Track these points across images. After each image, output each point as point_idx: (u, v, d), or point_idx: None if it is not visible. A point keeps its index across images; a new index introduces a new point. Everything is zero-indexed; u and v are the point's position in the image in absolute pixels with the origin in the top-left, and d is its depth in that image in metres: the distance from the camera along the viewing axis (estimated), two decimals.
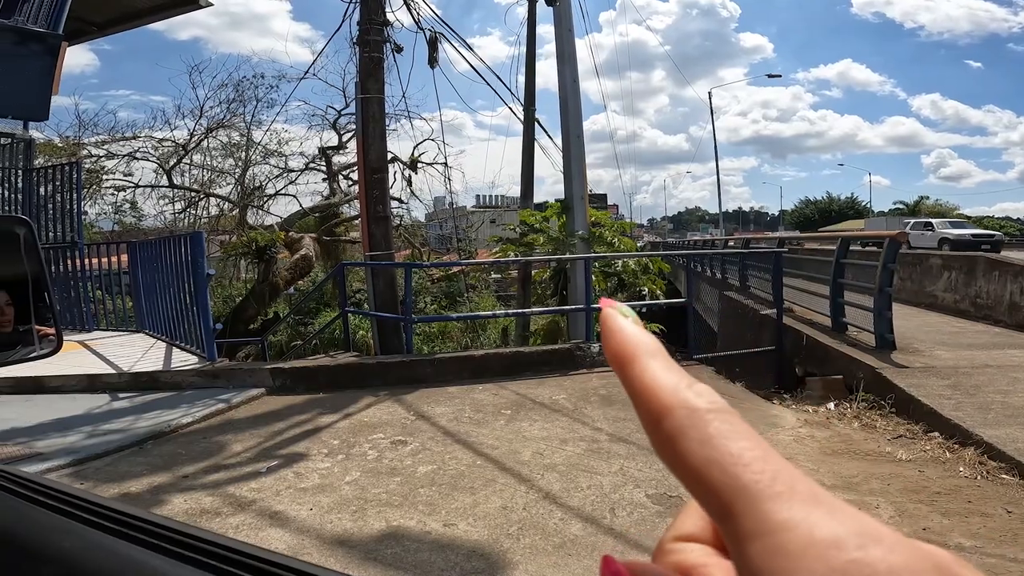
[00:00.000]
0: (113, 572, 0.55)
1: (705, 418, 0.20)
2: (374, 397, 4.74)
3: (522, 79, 11.46)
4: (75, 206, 8.39)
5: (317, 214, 15.36)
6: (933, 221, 22.47)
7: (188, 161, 16.51)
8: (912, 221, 23.76)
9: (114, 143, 16.01)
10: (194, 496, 3.01)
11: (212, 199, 16.68)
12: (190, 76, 18.61)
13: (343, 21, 7.87)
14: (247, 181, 16.83)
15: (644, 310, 9.30)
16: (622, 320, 0.24)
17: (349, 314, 7.57)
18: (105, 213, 17.07)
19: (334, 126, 16.40)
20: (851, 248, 6.62)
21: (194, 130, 16.22)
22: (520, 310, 9.76)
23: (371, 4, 6.99)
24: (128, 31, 11.68)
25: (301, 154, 17.48)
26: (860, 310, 5.80)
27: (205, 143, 16.61)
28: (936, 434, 3.65)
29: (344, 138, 16.14)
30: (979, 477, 3.05)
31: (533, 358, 5.58)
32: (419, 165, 16.13)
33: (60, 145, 15.27)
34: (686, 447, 0.20)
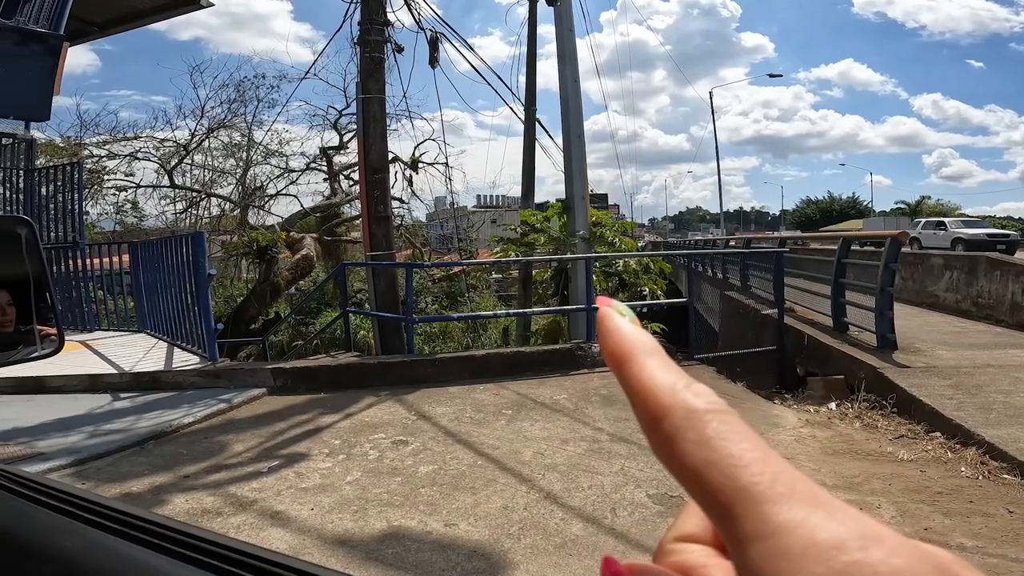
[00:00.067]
0: (115, 572, 0.55)
1: (704, 419, 0.20)
2: (375, 397, 4.74)
3: (523, 79, 11.46)
4: (76, 206, 8.41)
5: (318, 214, 15.38)
6: (946, 220, 21.59)
7: (189, 161, 16.56)
8: (923, 220, 22.93)
9: (115, 143, 16.07)
10: (195, 496, 3.02)
11: (213, 199, 16.73)
12: (191, 76, 18.67)
13: (344, 21, 7.89)
14: (248, 181, 16.88)
15: (645, 310, 9.31)
16: (619, 319, 0.23)
17: (350, 314, 7.57)
18: (106, 213, 17.11)
19: (335, 126, 16.44)
20: (852, 248, 6.62)
21: (195, 130, 16.28)
22: (521, 310, 9.76)
23: (372, 4, 6.99)
24: (129, 31, 11.73)
25: (302, 154, 17.53)
26: (862, 310, 5.80)
27: (206, 143, 16.66)
28: (938, 434, 3.64)
29: (345, 138, 16.17)
30: (981, 477, 3.04)
31: (534, 358, 5.58)
32: (420, 165, 16.14)
33: (61, 145, 15.30)
34: (684, 448, 0.20)
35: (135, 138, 16.19)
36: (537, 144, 11.01)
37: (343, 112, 16.05)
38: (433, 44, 8.79)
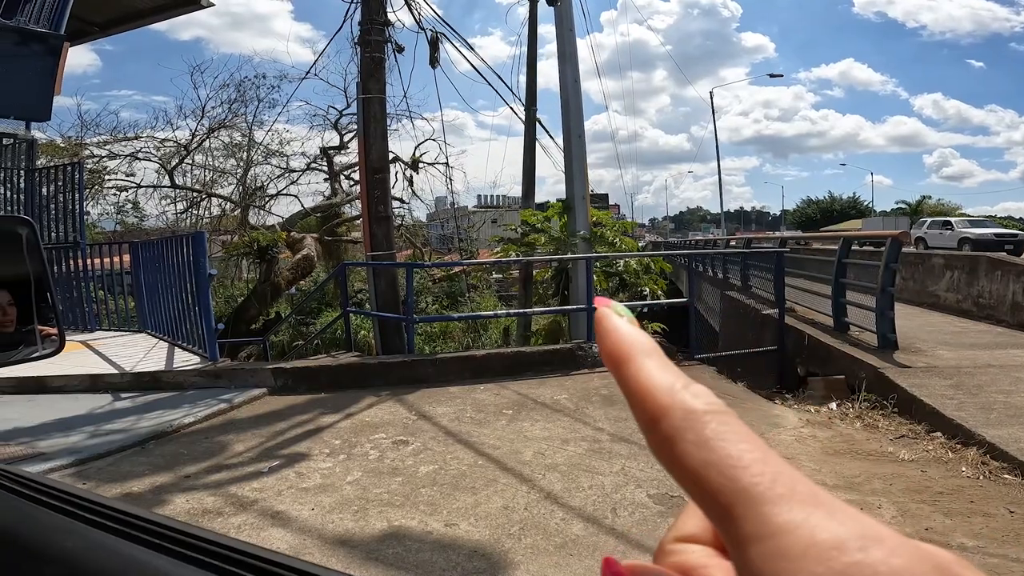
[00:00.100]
0: (115, 572, 0.55)
1: (702, 420, 0.20)
2: (376, 397, 4.74)
3: (523, 79, 11.46)
4: (77, 206, 8.42)
5: (319, 214, 15.39)
6: (952, 220, 20.99)
7: (190, 161, 16.57)
8: (929, 220, 22.39)
9: (116, 143, 16.07)
10: (196, 496, 3.02)
11: (214, 199, 16.74)
12: (192, 76, 18.67)
13: (344, 21, 7.90)
14: (249, 181, 16.88)
15: (646, 310, 9.31)
16: (617, 320, 0.23)
17: (351, 314, 7.58)
18: (107, 213, 17.13)
19: (335, 126, 16.44)
20: (852, 248, 6.61)
21: (196, 130, 16.29)
22: (521, 310, 9.76)
23: (372, 4, 6.99)
24: (130, 31, 11.74)
25: (303, 154, 17.54)
26: (862, 310, 5.79)
27: (207, 143, 16.67)
28: (938, 434, 3.64)
29: (346, 138, 16.17)
30: (981, 477, 3.04)
31: (535, 358, 5.58)
32: (420, 165, 16.15)
33: (62, 145, 15.31)
34: (683, 449, 0.20)
35: (136, 138, 16.21)
36: (537, 144, 11.03)
37: (344, 112, 16.08)
38: (433, 44, 8.79)
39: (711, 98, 44.76)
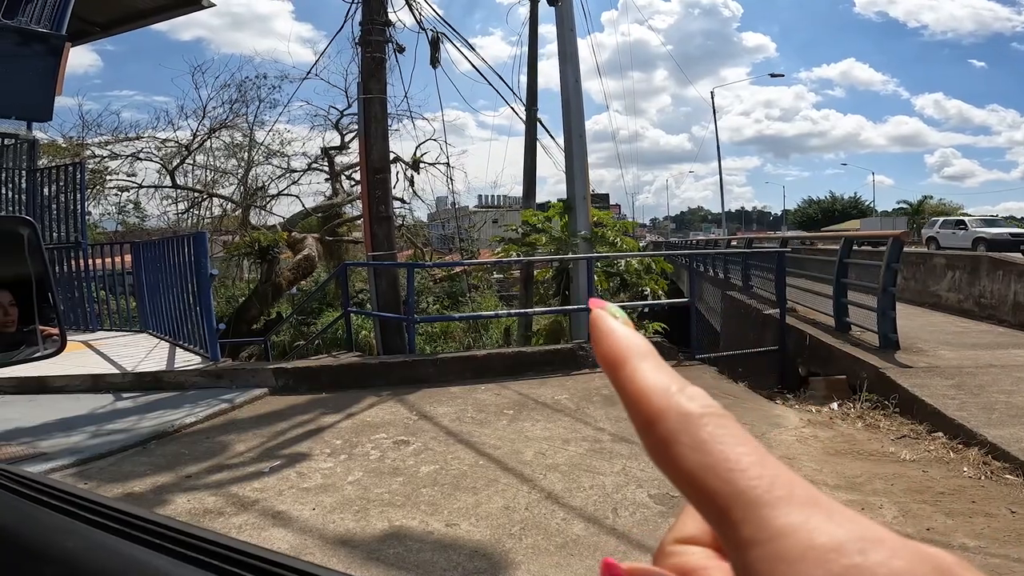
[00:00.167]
0: (116, 572, 0.55)
1: (698, 422, 0.20)
2: (377, 397, 4.75)
3: (524, 79, 11.46)
4: (79, 206, 8.43)
5: (320, 214, 15.41)
6: (966, 219, 20.15)
7: (191, 161, 16.60)
8: (941, 220, 21.66)
9: (117, 143, 16.10)
10: (197, 496, 3.02)
11: (215, 199, 16.76)
12: (193, 76, 18.77)
13: (345, 21, 7.90)
14: (250, 181, 16.90)
15: (647, 310, 9.30)
16: (612, 322, 0.23)
17: (352, 314, 7.58)
18: (109, 213, 17.17)
19: (336, 126, 16.46)
20: (853, 248, 6.61)
21: (197, 130, 16.30)
22: (522, 310, 9.75)
23: (373, 4, 7.00)
24: (131, 31, 11.74)
25: (304, 154, 17.56)
26: (864, 310, 5.79)
27: (208, 143, 16.69)
28: (940, 434, 3.64)
29: (347, 138, 16.19)
30: (983, 477, 3.04)
31: (535, 358, 5.58)
32: (421, 165, 16.16)
33: (64, 146, 15.34)
34: (680, 452, 0.19)
35: (137, 138, 16.23)
36: (538, 144, 11.03)
37: (344, 112, 16.08)
38: (434, 44, 8.79)
39: (712, 98, 44.73)
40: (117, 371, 5.41)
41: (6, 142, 7.95)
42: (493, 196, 38.48)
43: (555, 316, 9.08)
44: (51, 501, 0.63)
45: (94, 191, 15.15)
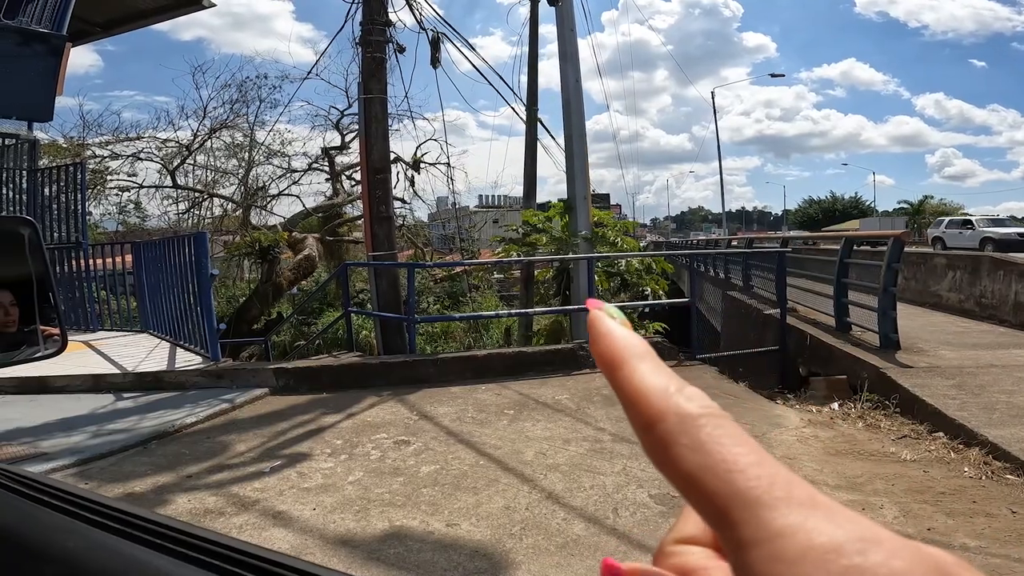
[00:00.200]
0: (117, 572, 0.55)
1: (697, 423, 0.20)
2: (377, 397, 4.75)
3: (524, 79, 11.46)
4: (79, 207, 8.43)
5: (320, 214, 15.41)
6: (973, 219, 19.87)
7: (192, 162, 16.61)
8: (947, 219, 21.32)
9: (118, 144, 16.10)
10: (198, 496, 3.02)
11: (216, 199, 16.77)
12: (193, 77, 18.75)
13: (346, 21, 7.90)
14: (250, 181, 16.90)
15: (647, 310, 9.30)
16: (609, 323, 0.23)
17: (352, 314, 7.59)
18: (109, 214, 17.18)
19: (337, 126, 16.46)
20: (854, 248, 6.60)
21: (198, 131, 16.31)
22: (523, 310, 9.76)
23: (373, 4, 7.00)
24: (132, 32, 11.74)
25: (304, 154, 17.55)
26: (864, 310, 5.78)
27: (209, 143, 16.70)
28: (941, 434, 3.63)
29: (347, 138, 16.20)
30: (984, 477, 3.03)
31: (536, 358, 5.58)
32: (422, 165, 16.17)
33: (64, 146, 15.34)
34: (678, 453, 0.19)
35: (138, 138, 16.23)
36: (539, 144, 11.04)
37: (345, 112, 16.09)
38: (435, 44, 8.80)
39: (712, 98, 44.74)
40: (118, 371, 5.41)
41: (7, 142, 7.95)
42: (493, 196, 38.54)
43: (556, 316, 9.09)
44: (52, 501, 0.63)
45: (95, 191, 15.16)
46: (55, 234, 8.21)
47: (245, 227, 15.00)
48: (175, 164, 16.06)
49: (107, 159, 16.03)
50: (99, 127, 16.17)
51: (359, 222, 13.48)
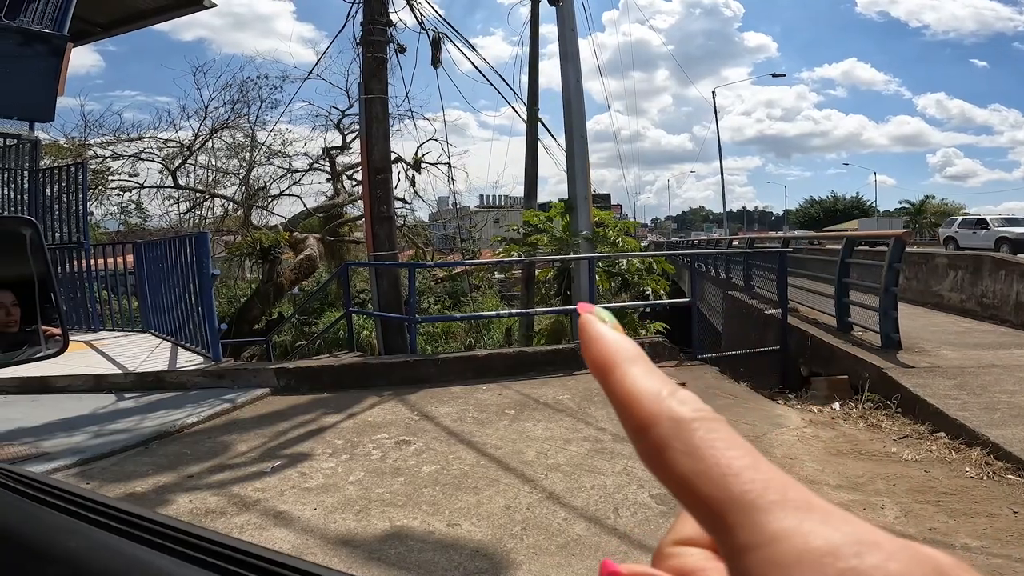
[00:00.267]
0: (118, 572, 0.55)
1: (690, 427, 0.20)
2: (378, 397, 4.75)
3: (525, 79, 11.45)
4: (81, 207, 8.44)
5: (321, 214, 15.41)
6: (987, 218, 18.90)
7: (193, 162, 16.60)
8: (960, 219, 20.42)
9: (119, 144, 16.10)
10: (199, 496, 3.02)
11: (217, 199, 16.76)
12: (195, 77, 18.74)
13: (346, 22, 7.90)
14: (251, 182, 16.90)
15: (648, 310, 9.30)
16: (601, 326, 0.23)
17: (353, 314, 7.59)
18: (110, 214, 17.18)
19: (338, 126, 16.45)
20: (855, 248, 6.59)
21: (199, 131, 16.30)
22: (524, 310, 9.75)
23: (374, 4, 7.00)
24: (133, 32, 11.75)
25: (305, 154, 17.54)
26: (865, 310, 5.78)
27: (210, 144, 16.68)
28: (942, 434, 3.63)
29: (348, 138, 16.19)
30: (985, 477, 3.03)
31: (537, 358, 5.58)
32: (423, 165, 16.17)
33: (66, 146, 15.35)
34: (672, 458, 0.19)
35: (139, 139, 16.24)
36: (540, 144, 11.02)
37: (346, 112, 16.08)
38: (435, 44, 8.80)
39: (713, 98, 44.87)
40: (119, 371, 5.42)
41: (8, 142, 7.97)
42: (494, 196, 38.51)
43: (556, 316, 9.08)
44: (53, 501, 0.64)
45: (96, 191, 15.16)
46: (56, 234, 8.22)
47: (246, 227, 15.00)
48: (176, 164, 16.07)
49: (108, 159, 16.05)
50: (100, 127, 16.19)
51: (360, 222, 13.48)
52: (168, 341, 6.67)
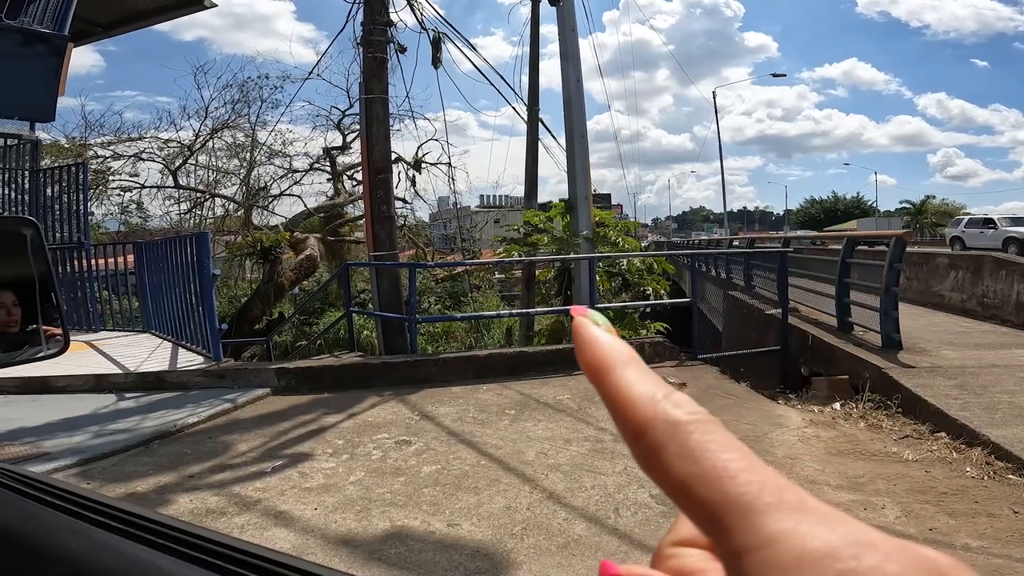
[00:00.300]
0: (119, 572, 0.55)
1: (685, 430, 0.20)
2: (378, 397, 4.75)
3: (525, 79, 11.44)
4: (81, 207, 8.44)
5: (322, 214, 15.42)
6: (995, 218, 18.28)
7: (193, 162, 16.60)
8: (967, 218, 19.94)
9: (120, 144, 16.11)
10: (200, 496, 3.03)
11: (217, 199, 16.77)
12: (195, 77, 18.83)
13: (347, 22, 7.92)
14: (252, 181, 16.91)
15: (649, 310, 9.30)
16: (594, 329, 0.23)
17: (353, 314, 7.59)
18: (111, 214, 17.19)
19: (338, 126, 16.45)
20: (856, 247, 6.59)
21: (199, 131, 16.30)
22: (524, 310, 9.75)
23: (375, 4, 7.00)
24: (133, 32, 11.75)
25: (306, 154, 17.55)
26: (866, 310, 5.77)
27: (210, 144, 16.69)
28: (943, 434, 3.63)
29: (348, 138, 16.19)
30: (986, 477, 3.03)
31: (537, 358, 5.58)
32: (423, 165, 16.17)
33: (66, 146, 15.35)
34: (668, 461, 0.19)
35: (139, 139, 16.24)
36: (540, 144, 11.02)
37: (346, 112, 16.08)
38: (436, 44, 8.80)
39: (714, 98, 44.94)
40: (120, 371, 5.42)
41: (9, 142, 7.97)
42: (495, 196, 38.51)
43: (557, 316, 9.08)
44: (54, 501, 0.64)
45: (97, 191, 15.17)
46: (57, 234, 8.22)
47: (247, 227, 15.00)
48: (177, 164, 16.08)
49: (109, 159, 16.06)
50: (101, 127, 16.20)
51: (360, 222, 13.47)
52: (169, 341, 6.67)
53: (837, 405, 4.54)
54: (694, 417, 0.20)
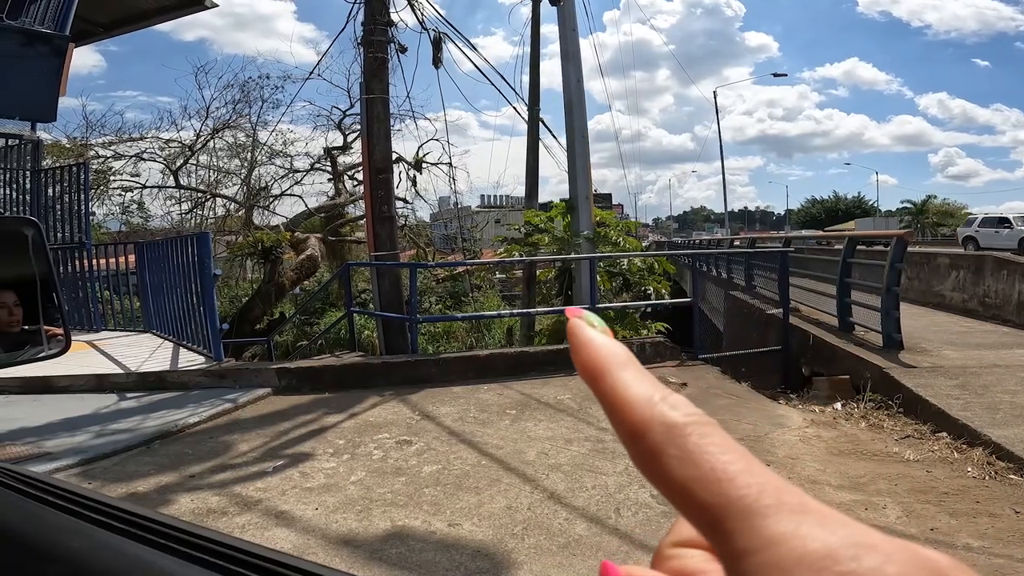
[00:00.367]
0: (120, 572, 0.55)
1: (683, 432, 0.20)
2: (379, 397, 4.75)
3: (526, 79, 11.43)
4: (83, 207, 8.45)
5: (322, 214, 15.42)
6: (1010, 217, 17.86)
7: (194, 162, 16.60)
8: (981, 217, 19.44)
9: (121, 144, 16.12)
10: (201, 496, 3.03)
11: (218, 199, 16.77)
12: (196, 77, 18.84)
13: (347, 22, 7.93)
14: (253, 181, 16.90)
15: (649, 310, 9.29)
16: (590, 331, 0.23)
17: (354, 314, 7.59)
18: (112, 214, 17.18)
19: (339, 126, 16.46)
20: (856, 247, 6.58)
21: (200, 131, 16.31)
22: (525, 310, 9.75)
23: (375, 4, 7.00)
24: (134, 32, 11.76)
25: (306, 154, 17.55)
26: (867, 310, 5.77)
27: (211, 144, 16.69)
28: (944, 434, 3.63)
29: (349, 138, 16.19)
30: (987, 477, 3.03)
31: (538, 358, 5.58)
32: (424, 165, 16.17)
33: (68, 146, 15.37)
34: (667, 464, 0.19)
35: (140, 139, 16.26)
36: (541, 144, 11.01)
37: (347, 112, 16.09)
38: (436, 44, 8.81)
39: (715, 97, 44.95)
40: (121, 371, 5.42)
41: (10, 142, 7.98)
42: (495, 196, 38.56)
43: (558, 316, 9.08)
44: (56, 501, 0.64)
45: (98, 191, 15.18)
46: (58, 234, 8.23)
47: (248, 227, 15.00)
48: (178, 164, 16.09)
49: (110, 159, 16.07)
50: (102, 127, 16.21)
51: (361, 222, 13.48)
52: (170, 341, 6.68)
53: (838, 405, 4.53)
54: (692, 419, 0.20)
